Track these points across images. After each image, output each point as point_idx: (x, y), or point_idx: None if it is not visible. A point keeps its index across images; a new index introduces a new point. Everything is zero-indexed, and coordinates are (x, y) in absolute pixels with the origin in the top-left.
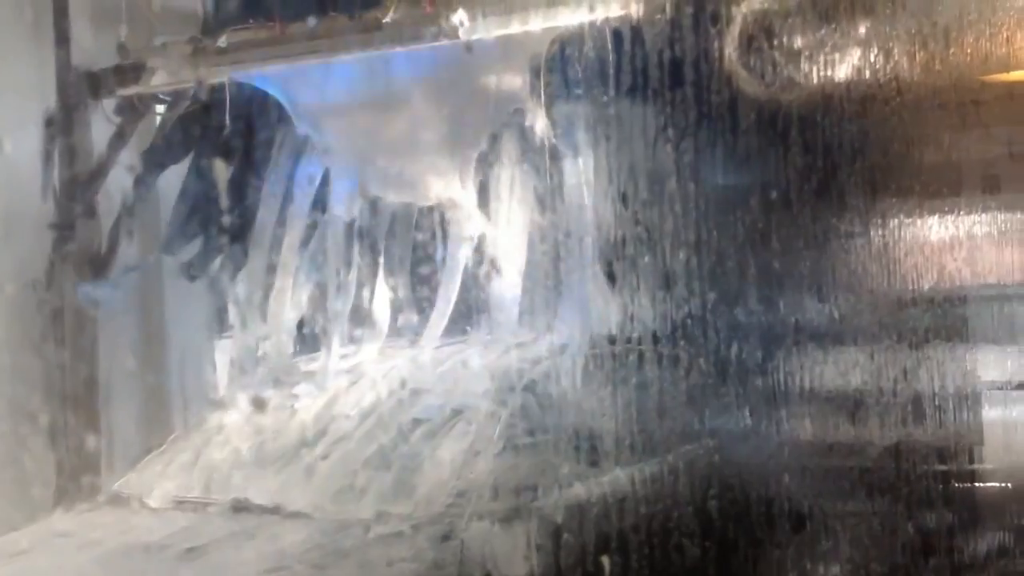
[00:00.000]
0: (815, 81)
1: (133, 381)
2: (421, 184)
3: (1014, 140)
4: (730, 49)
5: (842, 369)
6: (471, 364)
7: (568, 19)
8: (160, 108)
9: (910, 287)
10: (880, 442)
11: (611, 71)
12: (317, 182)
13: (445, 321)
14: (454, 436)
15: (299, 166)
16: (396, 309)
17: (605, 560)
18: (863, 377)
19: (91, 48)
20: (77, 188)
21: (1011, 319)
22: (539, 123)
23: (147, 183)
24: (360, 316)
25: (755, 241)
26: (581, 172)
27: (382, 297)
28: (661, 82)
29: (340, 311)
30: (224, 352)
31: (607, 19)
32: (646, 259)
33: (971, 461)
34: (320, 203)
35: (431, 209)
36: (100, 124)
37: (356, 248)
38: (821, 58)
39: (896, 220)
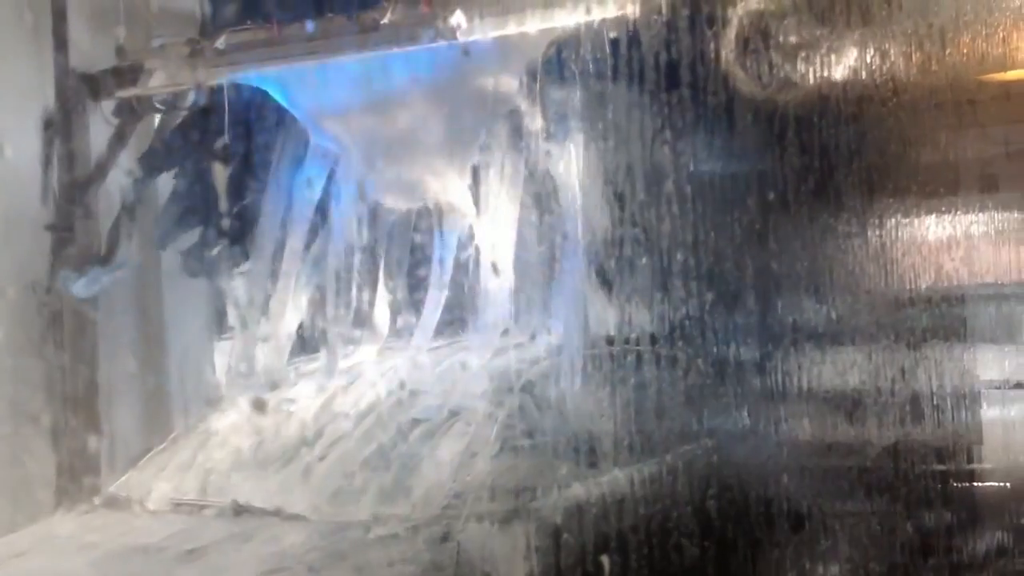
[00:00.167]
0: (812, 82)
1: (133, 382)
2: (419, 186)
3: (1011, 139)
4: (727, 50)
5: (840, 369)
6: (468, 365)
7: (565, 21)
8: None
9: (908, 287)
10: (879, 442)
11: (608, 73)
12: (317, 184)
13: (435, 321)
14: (451, 437)
15: (298, 168)
16: (395, 311)
17: (604, 560)
18: (861, 377)
19: (89, 50)
20: (76, 190)
21: (1009, 318)
22: (535, 125)
23: (146, 185)
24: (360, 318)
25: (753, 241)
26: (577, 173)
27: (381, 299)
28: (658, 84)
29: (340, 313)
30: (224, 354)
31: (604, 20)
32: (643, 260)
33: (970, 460)
34: (319, 205)
35: (429, 210)
36: (99, 126)
37: (355, 249)
38: (818, 59)
39: (894, 220)
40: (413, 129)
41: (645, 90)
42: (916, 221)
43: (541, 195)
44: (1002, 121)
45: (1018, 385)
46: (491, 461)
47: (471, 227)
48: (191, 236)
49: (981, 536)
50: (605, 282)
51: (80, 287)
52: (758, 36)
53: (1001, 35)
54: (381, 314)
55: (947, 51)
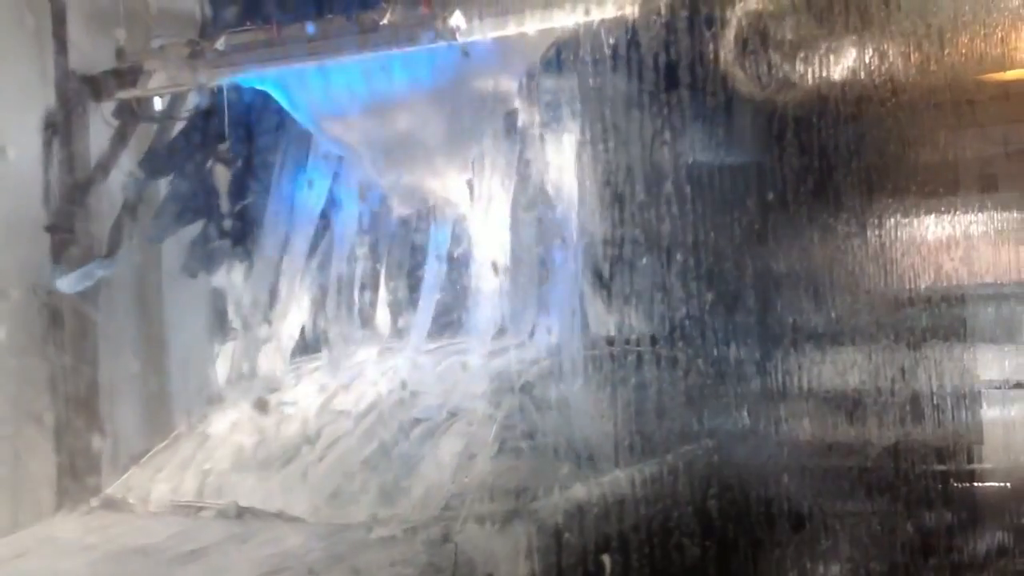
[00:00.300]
0: (811, 82)
1: (134, 383)
2: (419, 186)
3: (1010, 139)
4: (726, 51)
5: (841, 369)
6: (466, 366)
7: (564, 21)
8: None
9: (908, 287)
10: (879, 442)
11: (607, 74)
12: (318, 185)
13: (428, 321)
14: (450, 438)
15: (300, 169)
16: (395, 311)
17: (605, 560)
18: (862, 377)
19: (89, 52)
20: (77, 191)
21: (1009, 318)
22: (535, 125)
23: (147, 186)
24: (361, 318)
25: (752, 242)
26: (577, 173)
27: (382, 299)
28: (657, 84)
29: (342, 313)
30: (225, 354)
31: (603, 21)
32: (643, 261)
33: (970, 460)
34: (320, 206)
35: (429, 211)
36: (99, 127)
37: (357, 250)
38: (817, 59)
39: (893, 220)
40: (414, 130)
41: (644, 91)
42: (916, 221)
43: (541, 196)
44: (1001, 121)
45: (1018, 385)
46: (489, 462)
47: (470, 227)
48: (187, 233)
49: (981, 536)
50: (604, 283)
51: (71, 281)
52: (757, 37)
53: (1000, 35)
54: (382, 314)
55: (946, 51)
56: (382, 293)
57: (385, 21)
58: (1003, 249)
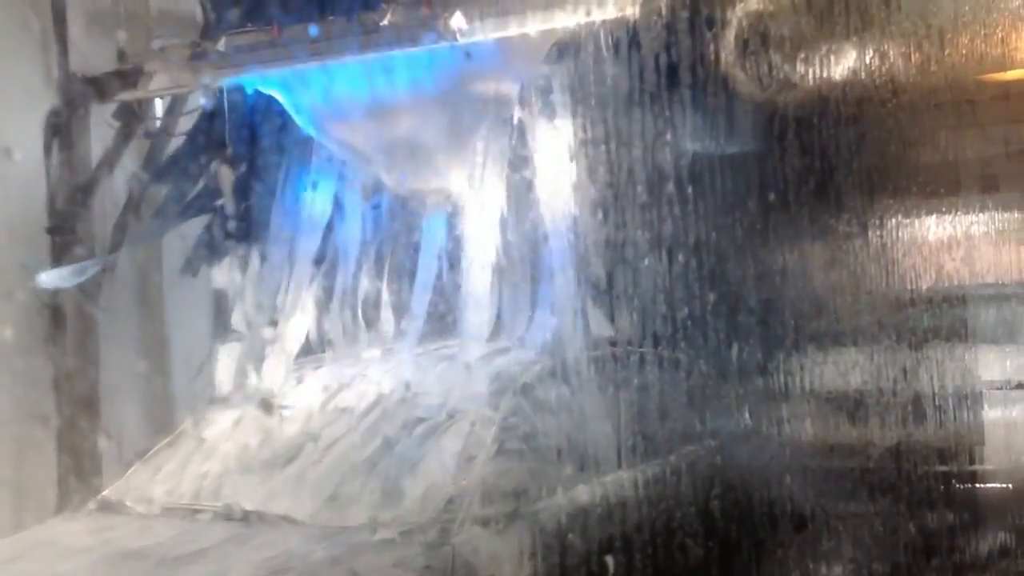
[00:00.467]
0: (812, 83)
1: (137, 384)
2: (421, 187)
3: (1011, 139)
4: (726, 52)
5: (842, 370)
6: (464, 367)
7: (565, 22)
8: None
9: (909, 287)
10: (881, 443)
11: (608, 75)
12: (321, 187)
13: (422, 321)
14: (447, 440)
15: (303, 171)
16: (398, 313)
17: (608, 560)
18: (863, 378)
19: (90, 53)
20: (79, 192)
21: (1010, 318)
22: (535, 125)
23: (149, 188)
24: (365, 320)
25: (753, 242)
26: (577, 174)
27: (385, 301)
28: (658, 85)
29: (346, 315)
30: (226, 356)
31: (604, 22)
32: (644, 262)
33: (972, 461)
34: (324, 207)
35: (429, 211)
36: (100, 128)
37: (360, 251)
38: (817, 60)
39: (895, 220)
40: (415, 131)
41: (645, 91)
42: (916, 221)
43: (542, 196)
44: (1002, 121)
45: (1020, 386)
46: (487, 464)
47: (471, 227)
48: (190, 234)
49: (983, 537)
50: (605, 284)
51: (63, 276)
52: (757, 37)
53: (1000, 35)
54: (385, 316)
55: (946, 51)
56: (384, 295)
57: (386, 22)
58: (1004, 249)
